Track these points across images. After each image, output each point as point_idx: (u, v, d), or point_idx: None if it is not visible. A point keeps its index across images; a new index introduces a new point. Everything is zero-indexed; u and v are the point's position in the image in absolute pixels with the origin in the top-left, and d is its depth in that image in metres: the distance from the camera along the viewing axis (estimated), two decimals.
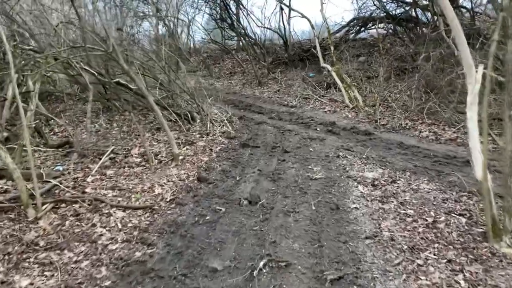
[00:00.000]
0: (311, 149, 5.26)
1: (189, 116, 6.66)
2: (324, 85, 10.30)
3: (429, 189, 3.70)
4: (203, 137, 5.79)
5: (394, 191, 3.65)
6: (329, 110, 7.73)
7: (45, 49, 5.23)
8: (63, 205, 3.41)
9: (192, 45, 17.31)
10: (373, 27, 12.98)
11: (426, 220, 3.08)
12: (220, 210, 3.35)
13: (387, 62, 9.19)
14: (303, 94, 9.49)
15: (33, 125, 4.79)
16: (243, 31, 13.50)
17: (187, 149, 5.15)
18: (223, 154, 5.05)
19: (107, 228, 3.04)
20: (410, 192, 3.64)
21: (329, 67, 8.72)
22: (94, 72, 5.63)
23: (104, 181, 3.91)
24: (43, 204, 3.26)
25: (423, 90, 7.48)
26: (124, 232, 3.00)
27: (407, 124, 6.42)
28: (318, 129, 6.43)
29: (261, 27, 14.11)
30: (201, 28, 18.03)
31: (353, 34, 13.09)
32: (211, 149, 5.16)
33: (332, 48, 8.63)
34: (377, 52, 12.57)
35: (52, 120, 6.13)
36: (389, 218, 3.15)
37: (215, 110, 7.64)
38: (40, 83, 5.53)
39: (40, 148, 4.87)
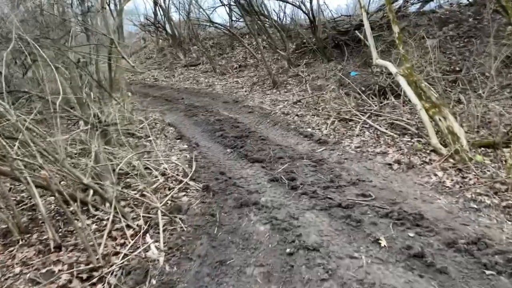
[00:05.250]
0: None
1: (91, 193, 3.04)
2: (376, 89, 6.23)
3: None
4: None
5: None
6: (397, 161, 3.74)
7: None
8: None
9: (192, 30, 13.56)
10: None
11: None
12: None
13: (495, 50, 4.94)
14: (340, 111, 5.52)
15: None
16: (251, 6, 9.57)
17: None
18: None
19: None
20: None
21: (392, 67, 4.62)
22: None
23: None
24: None
25: None
26: None
27: None
28: (378, 234, 2.55)
29: (279, 0, 10.07)
30: (196, 6, 14.10)
31: (418, 5, 8.71)
32: None
33: (396, 29, 4.51)
34: (456, 31, 8.19)
35: None
36: None
37: (166, 165, 3.96)
38: None
39: None
